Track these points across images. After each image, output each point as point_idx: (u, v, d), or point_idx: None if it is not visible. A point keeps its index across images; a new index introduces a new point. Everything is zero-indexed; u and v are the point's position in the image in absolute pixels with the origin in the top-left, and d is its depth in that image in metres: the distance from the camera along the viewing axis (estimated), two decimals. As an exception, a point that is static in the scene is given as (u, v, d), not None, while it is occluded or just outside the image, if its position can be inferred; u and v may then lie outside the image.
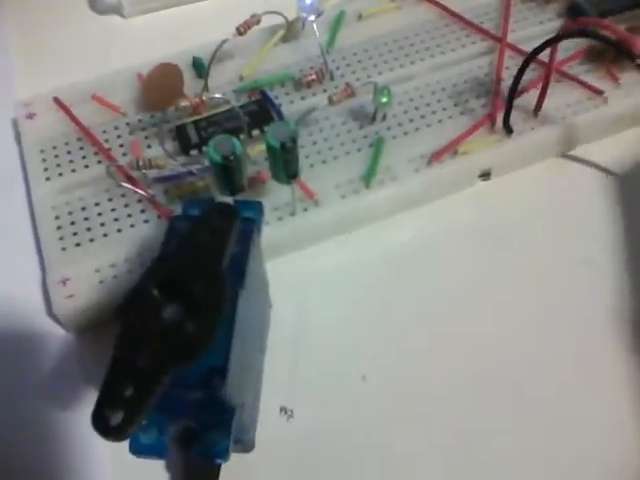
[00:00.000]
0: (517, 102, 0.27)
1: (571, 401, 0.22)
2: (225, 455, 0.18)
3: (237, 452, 0.21)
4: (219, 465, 0.20)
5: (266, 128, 0.27)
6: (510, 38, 0.30)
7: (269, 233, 0.25)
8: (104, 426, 0.14)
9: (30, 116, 0.28)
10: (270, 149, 0.22)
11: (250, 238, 0.20)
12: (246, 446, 0.21)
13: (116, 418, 0.14)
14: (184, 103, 0.26)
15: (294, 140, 0.21)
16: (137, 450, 0.18)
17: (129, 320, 0.16)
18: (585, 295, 0.24)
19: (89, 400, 0.23)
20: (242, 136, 0.26)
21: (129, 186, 0.25)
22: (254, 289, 0.20)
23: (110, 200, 0.26)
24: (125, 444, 0.21)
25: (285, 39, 0.31)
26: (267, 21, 0.29)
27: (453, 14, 0.31)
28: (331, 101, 0.26)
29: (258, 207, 0.21)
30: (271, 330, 0.24)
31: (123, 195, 0.26)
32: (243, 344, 0.19)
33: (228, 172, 0.21)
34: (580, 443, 0.21)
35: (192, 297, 0.16)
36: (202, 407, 0.18)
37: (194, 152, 0.27)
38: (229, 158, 0.21)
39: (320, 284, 0.25)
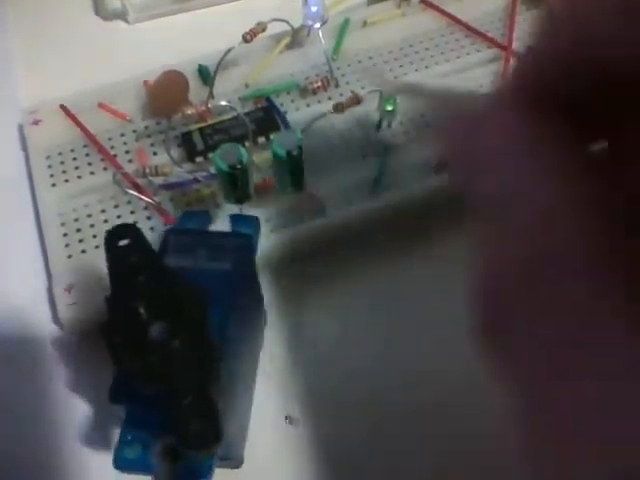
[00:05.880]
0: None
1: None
2: (208, 474, 0.18)
3: (224, 467, 0.20)
4: None
5: (272, 136, 0.27)
6: (515, 46, 0.30)
7: (274, 241, 0.25)
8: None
9: (36, 122, 0.29)
10: (277, 158, 0.22)
11: (244, 254, 0.20)
12: (234, 462, 0.21)
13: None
14: (190, 111, 0.26)
15: (300, 149, 0.21)
16: (121, 465, 0.18)
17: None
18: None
19: (92, 406, 0.23)
20: (247, 143, 0.26)
21: (135, 193, 0.25)
22: (247, 305, 0.20)
23: (116, 207, 0.26)
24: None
25: (290, 46, 0.31)
26: (272, 29, 0.29)
27: (458, 22, 0.31)
28: (337, 109, 0.26)
29: (254, 222, 0.21)
30: (273, 342, 0.24)
31: (129, 202, 0.26)
32: (231, 362, 0.19)
33: (235, 181, 0.21)
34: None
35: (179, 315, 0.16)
36: None
37: (199, 159, 0.27)
38: (236, 167, 0.21)
39: (325, 294, 0.25)
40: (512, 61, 0.29)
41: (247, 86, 0.29)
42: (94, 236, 0.25)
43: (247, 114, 0.27)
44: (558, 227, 0.09)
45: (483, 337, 0.10)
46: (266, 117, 0.28)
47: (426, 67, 0.30)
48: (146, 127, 0.28)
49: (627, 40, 0.09)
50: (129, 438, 0.18)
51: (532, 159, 0.10)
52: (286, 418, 0.22)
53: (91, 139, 0.28)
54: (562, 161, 0.10)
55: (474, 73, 0.30)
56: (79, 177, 0.27)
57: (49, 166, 0.27)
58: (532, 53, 0.11)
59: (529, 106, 0.11)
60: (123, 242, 0.17)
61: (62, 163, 0.27)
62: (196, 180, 0.26)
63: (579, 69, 0.10)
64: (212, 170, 0.25)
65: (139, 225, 0.25)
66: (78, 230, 0.25)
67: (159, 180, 0.26)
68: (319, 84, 0.29)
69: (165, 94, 0.28)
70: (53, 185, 0.27)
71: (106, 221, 0.25)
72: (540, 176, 0.10)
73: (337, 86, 0.29)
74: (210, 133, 0.27)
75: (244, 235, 0.20)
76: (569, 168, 0.10)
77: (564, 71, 0.11)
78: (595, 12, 0.10)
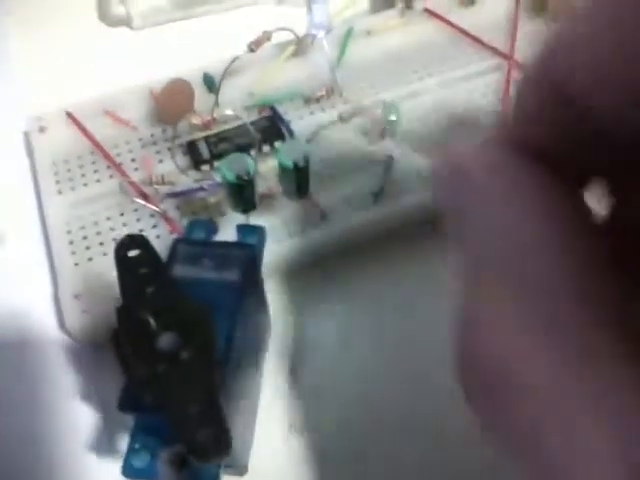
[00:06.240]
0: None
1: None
2: None
3: (229, 475, 0.20)
4: None
5: (277, 144, 0.27)
6: (518, 55, 0.30)
7: (277, 249, 0.25)
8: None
9: (41, 130, 0.29)
10: (282, 168, 0.22)
11: (250, 264, 0.20)
12: (239, 470, 0.21)
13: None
14: (195, 119, 0.26)
15: (307, 159, 0.22)
16: (129, 473, 0.18)
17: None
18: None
19: (100, 415, 0.23)
20: (253, 152, 0.26)
21: (141, 201, 0.25)
22: (252, 313, 0.20)
23: (122, 215, 0.26)
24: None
25: (295, 55, 0.31)
26: (277, 37, 0.29)
27: (461, 31, 0.31)
28: (341, 118, 0.26)
29: (260, 232, 0.21)
30: (278, 350, 0.24)
31: (135, 210, 0.26)
32: (237, 371, 0.19)
33: (242, 191, 0.22)
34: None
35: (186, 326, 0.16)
36: None
37: (205, 167, 0.27)
38: (243, 177, 0.21)
39: (328, 302, 0.25)
40: (514, 71, 0.30)
41: (252, 95, 0.29)
42: (101, 244, 0.25)
43: (252, 123, 0.27)
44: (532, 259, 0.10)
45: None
46: (271, 126, 0.28)
47: (429, 76, 0.30)
48: (152, 135, 0.28)
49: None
50: (137, 447, 0.18)
51: (513, 199, 0.11)
52: (290, 427, 0.23)
53: (97, 147, 0.28)
54: (542, 200, 0.11)
55: (477, 82, 0.30)
56: (85, 185, 0.27)
57: (55, 174, 0.27)
58: (516, 102, 0.12)
59: (515, 150, 0.11)
60: (133, 253, 0.18)
61: (68, 171, 0.27)
62: (202, 189, 0.26)
63: (561, 120, 0.11)
64: (218, 178, 0.25)
65: (145, 233, 0.25)
66: (84, 238, 0.25)
67: (165, 188, 0.26)
68: (323, 93, 0.29)
69: (171, 102, 0.28)
70: (59, 193, 0.27)
71: (112, 229, 0.26)
72: (521, 214, 0.11)
73: (341, 95, 0.29)
74: (215, 142, 0.27)
75: (250, 245, 0.20)
76: (549, 208, 0.11)
77: (548, 122, 0.11)
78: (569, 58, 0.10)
